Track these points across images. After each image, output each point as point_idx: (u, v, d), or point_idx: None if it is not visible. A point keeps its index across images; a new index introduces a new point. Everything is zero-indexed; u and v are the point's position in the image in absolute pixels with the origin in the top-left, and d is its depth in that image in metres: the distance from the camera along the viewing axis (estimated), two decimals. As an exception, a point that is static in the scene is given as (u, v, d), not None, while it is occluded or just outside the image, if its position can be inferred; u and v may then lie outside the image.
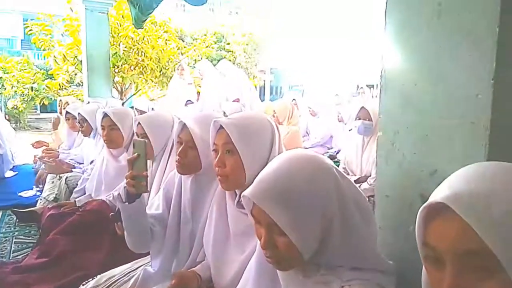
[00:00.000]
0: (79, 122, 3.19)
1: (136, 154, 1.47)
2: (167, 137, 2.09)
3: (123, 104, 8.52)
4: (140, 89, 8.87)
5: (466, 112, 0.93)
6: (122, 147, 2.54)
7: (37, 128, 13.93)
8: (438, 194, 0.67)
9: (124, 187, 1.51)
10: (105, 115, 2.51)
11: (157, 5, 3.80)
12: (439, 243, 0.67)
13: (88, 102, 3.87)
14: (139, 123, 2.08)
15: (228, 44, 16.92)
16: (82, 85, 6.67)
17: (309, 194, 0.91)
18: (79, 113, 3.21)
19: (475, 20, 0.90)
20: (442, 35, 0.97)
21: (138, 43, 7.80)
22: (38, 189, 3.81)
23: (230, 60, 15.75)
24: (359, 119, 3.16)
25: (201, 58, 8.63)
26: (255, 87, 16.90)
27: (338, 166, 4.11)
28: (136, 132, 2.12)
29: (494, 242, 0.59)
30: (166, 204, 1.73)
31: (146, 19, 4.36)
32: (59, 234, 2.17)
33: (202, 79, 6.81)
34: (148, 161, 2.10)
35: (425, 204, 0.68)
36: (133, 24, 4.41)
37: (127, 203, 1.49)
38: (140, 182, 1.46)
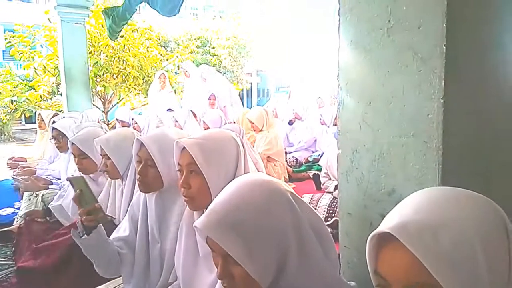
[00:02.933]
0: (54, 138, 3.12)
1: (78, 191, 1.51)
2: (130, 156, 1.92)
3: (106, 113, 8.45)
4: (124, 98, 8.79)
5: (418, 132, 0.91)
6: (98, 171, 2.47)
7: (22, 140, 13.71)
8: (387, 223, 0.65)
9: (78, 222, 1.54)
10: (72, 143, 2.39)
11: (131, 16, 3.77)
12: (388, 274, 0.65)
13: (63, 117, 3.79)
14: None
15: (213, 48, 16.83)
16: (63, 97, 6.59)
17: (263, 225, 0.89)
18: (54, 128, 3.14)
19: (422, 38, 0.89)
20: (393, 52, 0.95)
21: (119, 52, 7.72)
22: (17, 206, 3.73)
23: (215, 64, 15.72)
24: (335, 125, 3.15)
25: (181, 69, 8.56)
26: (242, 90, 16.92)
27: (320, 169, 4.12)
28: (100, 154, 2.06)
29: (442, 275, 0.58)
30: (133, 225, 1.71)
31: (120, 30, 4.31)
32: (32, 255, 2.12)
33: (188, 77, 6.75)
34: (117, 180, 2.07)
35: (373, 233, 0.67)
36: (107, 35, 4.36)
37: (85, 237, 1.52)
38: (97, 215, 1.49)
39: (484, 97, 0.89)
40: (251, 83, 19.57)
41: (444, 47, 0.84)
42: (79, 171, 2.42)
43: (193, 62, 9.03)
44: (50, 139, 3.46)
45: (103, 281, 1.82)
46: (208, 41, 17.07)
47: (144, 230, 1.66)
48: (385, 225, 0.65)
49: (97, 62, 7.43)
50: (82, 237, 1.53)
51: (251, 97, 19.52)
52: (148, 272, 1.67)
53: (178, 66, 9.12)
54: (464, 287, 0.58)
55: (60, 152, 3.21)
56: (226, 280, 0.94)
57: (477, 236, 0.59)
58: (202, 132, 1.43)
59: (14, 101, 8.64)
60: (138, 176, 1.59)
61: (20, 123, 16.59)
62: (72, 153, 2.40)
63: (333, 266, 0.98)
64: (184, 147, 1.35)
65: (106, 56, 7.68)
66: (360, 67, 1.04)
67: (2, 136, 13.61)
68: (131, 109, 7.93)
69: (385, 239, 0.67)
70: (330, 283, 0.96)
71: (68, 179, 1.61)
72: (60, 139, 3.05)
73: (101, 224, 1.56)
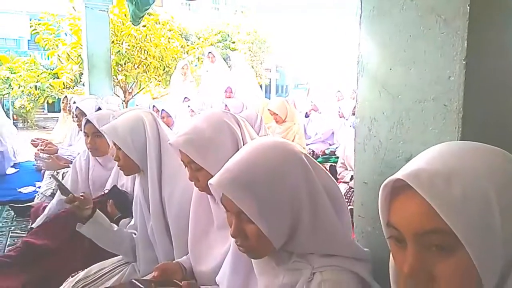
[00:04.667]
0: (76, 116, 3.20)
1: (57, 184, 1.77)
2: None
3: (126, 102, 8.57)
4: (144, 88, 8.90)
5: (438, 95, 0.91)
6: (109, 154, 2.43)
7: (44, 128, 14.05)
8: (400, 172, 0.65)
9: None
10: (88, 121, 2.37)
11: (154, 1, 3.80)
12: (400, 223, 0.65)
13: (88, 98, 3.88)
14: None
15: (233, 42, 16.89)
16: (85, 84, 6.71)
17: (276, 184, 0.90)
18: (77, 107, 3.22)
19: (445, 0, 0.88)
20: (415, 16, 0.95)
21: (141, 42, 7.82)
22: (38, 186, 3.83)
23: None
24: (354, 114, 3.13)
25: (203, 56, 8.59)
26: (261, 85, 16.90)
27: (336, 161, 4.09)
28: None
29: (454, 221, 0.57)
30: (134, 212, 1.82)
31: (143, 15, 4.36)
32: (44, 229, 2.17)
33: (213, 62, 6.76)
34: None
35: (385, 182, 0.67)
36: (130, 21, 4.42)
37: (82, 226, 1.69)
38: (78, 208, 1.67)
39: (507, 57, 0.88)
40: (270, 79, 19.52)
41: (468, 7, 0.83)
42: (90, 150, 2.43)
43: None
44: (73, 118, 3.55)
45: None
46: (228, 36, 17.13)
47: (140, 211, 1.73)
48: (398, 173, 0.65)
49: (119, 51, 7.55)
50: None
51: (270, 93, 19.48)
52: (152, 251, 1.72)
53: (198, 58, 9.19)
54: (476, 234, 0.57)
55: (79, 130, 3.28)
56: (239, 238, 0.95)
57: (491, 184, 0.58)
58: (192, 122, 1.42)
59: (38, 87, 8.84)
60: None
61: (43, 111, 16.99)
62: (85, 132, 2.40)
63: (345, 229, 0.99)
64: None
65: (128, 45, 7.80)
66: (382, 33, 1.04)
67: (25, 123, 13.95)
68: (153, 99, 8.02)
69: (398, 189, 0.66)
70: (343, 245, 0.96)
71: (51, 176, 1.78)
72: (81, 117, 3.13)
73: (100, 214, 1.74)
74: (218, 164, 1.27)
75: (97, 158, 2.45)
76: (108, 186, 2.31)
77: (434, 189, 0.59)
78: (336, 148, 4.89)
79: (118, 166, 1.70)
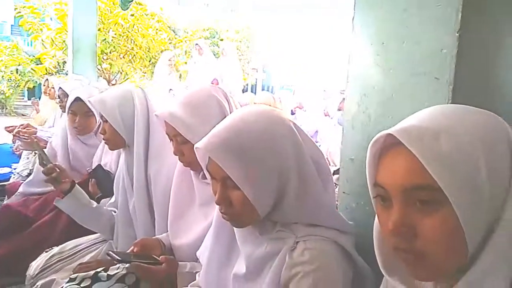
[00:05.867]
0: (59, 97, 3.12)
1: (38, 153, 1.77)
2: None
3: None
4: (128, 78, 8.78)
5: (430, 68, 0.91)
6: (92, 132, 2.44)
7: (23, 115, 13.71)
8: (390, 129, 0.65)
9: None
10: (79, 99, 2.29)
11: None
12: (388, 179, 0.65)
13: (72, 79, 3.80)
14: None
15: (221, 40, 16.83)
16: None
17: (264, 148, 0.89)
18: (60, 88, 3.14)
19: (442, -28, 0.88)
20: (411, -12, 0.95)
21: (128, 31, 7.72)
22: (14, 167, 3.73)
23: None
24: (339, 110, 3.15)
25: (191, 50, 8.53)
26: (247, 85, 16.85)
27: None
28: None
29: (441, 176, 0.57)
30: (116, 189, 1.81)
31: (132, 0, 4.30)
32: (25, 201, 2.12)
33: (201, 55, 6.70)
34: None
35: (375, 138, 0.66)
36: (119, 5, 4.35)
37: (60, 200, 1.68)
38: (52, 173, 1.67)
39: (500, 30, 0.89)
40: (256, 79, 19.52)
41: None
42: (77, 129, 2.39)
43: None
44: (55, 99, 3.48)
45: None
46: (217, 33, 17.06)
47: (122, 187, 1.70)
48: (388, 130, 0.64)
49: (105, 39, 7.44)
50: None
51: (255, 93, 19.45)
52: (131, 229, 1.69)
53: (186, 52, 9.12)
54: (463, 190, 0.57)
55: (62, 112, 3.21)
56: (223, 205, 0.94)
57: (479, 142, 0.59)
58: (182, 94, 1.41)
59: (19, 71, 8.63)
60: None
61: (23, 98, 16.57)
62: (73, 111, 2.34)
63: (331, 199, 0.98)
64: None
65: (115, 34, 7.68)
66: (376, 7, 1.04)
67: (4, 109, 13.59)
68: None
69: (387, 148, 0.66)
70: (327, 215, 0.96)
71: (33, 142, 1.79)
72: (64, 99, 3.05)
73: (78, 189, 1.71)
74: (204, 135, 1.27)
75: (78, 136, 2.40)
76: (93, 165, 2.26)
77: (423, 145, 0.59)
78: (320, 146, 4.91)
79: (104, 139, 1.67)
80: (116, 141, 1.64)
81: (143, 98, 1.64)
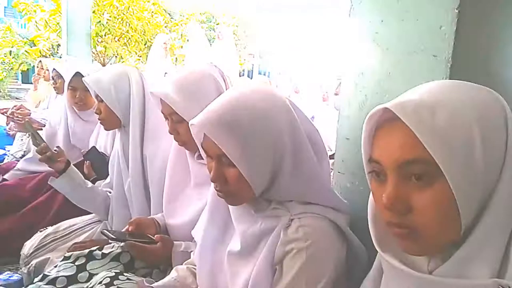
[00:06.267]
0: (53, 78, 3.09)
1: (30, 134, 1.73)
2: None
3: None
4: (124, 61, 8.70)
5: (429, 46, 0.90)
6: (93, 108, 2.43)
7: (17, 98, 13.59)
8: (386, 103, 0.64)
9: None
10: (79, 74, 2.32)
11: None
12: (383, 154, 0.64)
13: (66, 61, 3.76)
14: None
15: (218, 24, 16.68)
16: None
17: (259, 125, 0.88)
18: (54, 69, 3.10)
19: None
20: (411, -35, 0.93)
21: (123, 13, 7.61)
22: (8, 149, 3.71)
23: (218, 41, 15.56)
24: (337, 94, 3.14)
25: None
26: (243, 70, 16.80)
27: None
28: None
29: (436, 150, 0.57)
30: (111, 169, 1.80)
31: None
32: (17, 186, 2.11)
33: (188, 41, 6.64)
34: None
35: (371, 113, 0.66)
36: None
37: (54, 179, 1.66)
38: (46, 152, 1.65)
39: (500, 6, 0.88)
40: (252, 64, 19.42)
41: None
42: (78, 105, 2.39)
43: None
44: (50, 81, 3.44)
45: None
46: (213, 17, 16.90)
47: (117, 167, 1.69)
48: (384, 104, 0.64)
49: (99, 21, 7.34)
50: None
51: (252, 78, 19.38)
52: (127, 209, 1.69)
53: (182, 35, 9.03)
54: (457, 164, 0.57)
55: (57, 93, 3.18)
56: (219, 182, 0.93)
57: (474, 116, 0.58)
58: (178, 73, 1.40)
59: (13, 53, 8.52)
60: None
61: (16, 81, 16.42)
62: (73, 86, 2.35)
63: (326, 177, 0.98)
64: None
65: (110, 16, 7.57)
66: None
67: (-3, 93, 13.45)
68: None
69: (382, 123, 0.66)
70: (323, 193, 0.96)
71: (25, 122, 1.77)
72: (58, 80, 3.02)
73: (73, 169, 1.70)
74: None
75: (78, 112, 2.38)
76: (89, 145, 2.26)
77: (418, 118, 0.59)
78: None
79: (99, 119, 1.65)
80: (111, 121, 1.63)
81: (138, 78, 1.63)
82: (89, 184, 1.75)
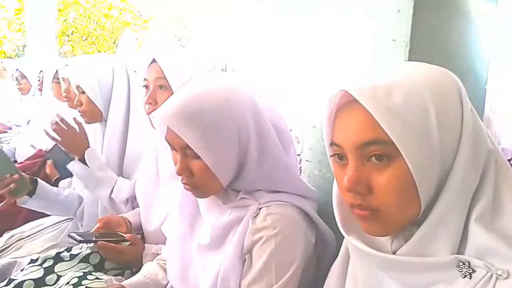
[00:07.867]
0: (16, 79, 3.01)
1: None
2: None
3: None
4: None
5: (387, 29, 0.91)
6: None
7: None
8: (344, 86, 0.64)
9: None
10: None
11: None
12: (343, 136, 0.65)
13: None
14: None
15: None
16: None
17: (224, 116, 0.87)
18: (17, 69, 3.03)
19: None
20: None
21: (90, 11, 7.43)
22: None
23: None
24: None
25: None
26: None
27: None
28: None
29: (391, 127, 0.58)
30: None
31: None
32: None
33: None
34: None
35: (329, 96, 0.66)
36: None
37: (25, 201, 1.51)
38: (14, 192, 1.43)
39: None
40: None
41: None
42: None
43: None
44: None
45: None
46: (182, 19, 16.68)
47: None
48: (342, 87, 0.64)
49: (65, 19, 7.13)
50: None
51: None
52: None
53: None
54: (414, 143, 0.58)
55: (22, 94, 3.09)
56: (185, 175, 0.92)
57: (430, 95, 0.59)
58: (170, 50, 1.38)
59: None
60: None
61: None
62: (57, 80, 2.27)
63: (293, 164, 0.98)
64: (153, 60, 1.29)
65: (76, 14, 7.38)
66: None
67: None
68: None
69: (341, 107, 0.66)
70: (290, 181, 0.95)
71: None
72: (21, 80, 2.94)
73: (42, 188, 1.53)
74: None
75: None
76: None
77: (375, 100, 0.59)
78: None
79: (79, 111, 1.58)
80: (92, 114, 1.56)
81: (123, 71, 1.57)
82: (61, 194, 1.62)
